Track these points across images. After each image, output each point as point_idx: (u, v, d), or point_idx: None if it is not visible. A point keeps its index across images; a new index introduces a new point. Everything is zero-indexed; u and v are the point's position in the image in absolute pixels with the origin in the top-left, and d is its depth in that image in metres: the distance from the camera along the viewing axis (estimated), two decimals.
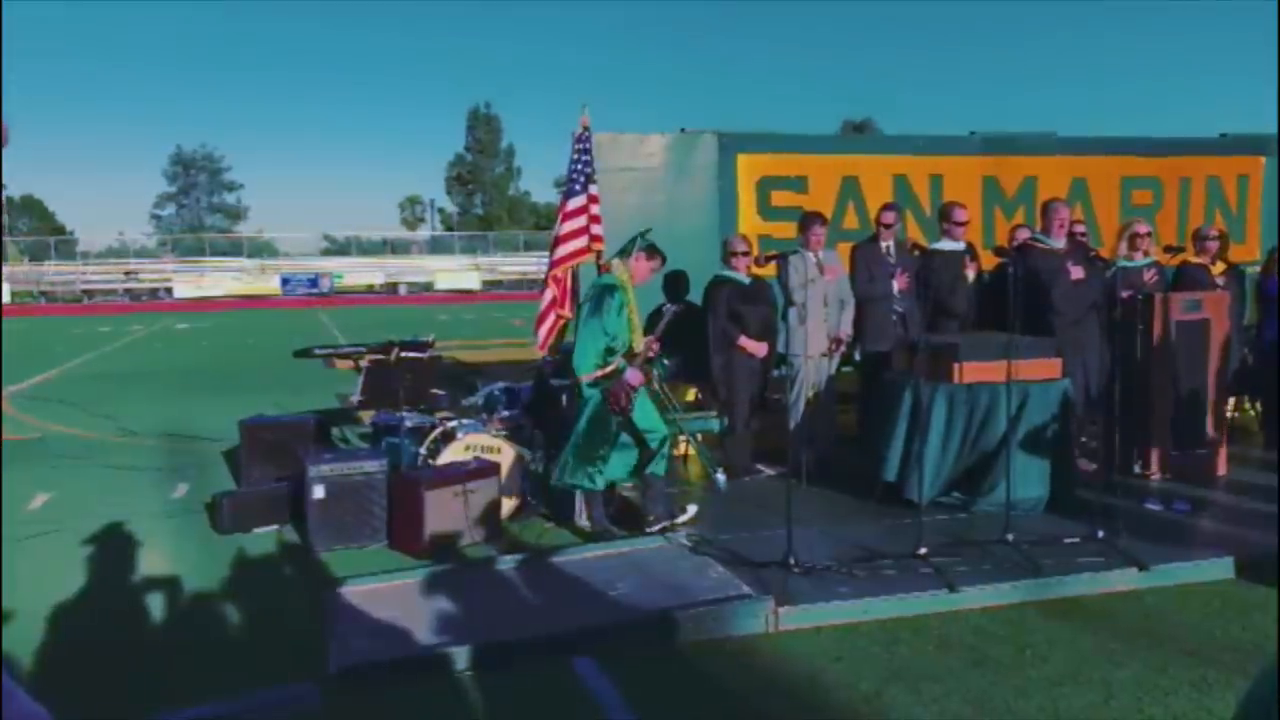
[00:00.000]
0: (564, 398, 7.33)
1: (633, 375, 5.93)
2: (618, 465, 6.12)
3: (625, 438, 6.07)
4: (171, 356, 20.41)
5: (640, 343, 6.07)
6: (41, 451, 9.58)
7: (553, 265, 6.81)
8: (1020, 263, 6.79)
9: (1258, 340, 8.23)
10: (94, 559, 6.08)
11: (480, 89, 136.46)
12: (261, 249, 61.45)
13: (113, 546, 6.32)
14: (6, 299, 43.19)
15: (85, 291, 50.86)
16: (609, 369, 5.94)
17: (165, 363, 18.96)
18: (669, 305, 6.31)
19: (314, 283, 52.35)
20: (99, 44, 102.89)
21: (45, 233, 64.34)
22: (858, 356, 7.65)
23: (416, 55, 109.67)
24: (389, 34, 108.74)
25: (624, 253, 6.21)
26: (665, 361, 7.00)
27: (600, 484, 6.11)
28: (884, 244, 7.48)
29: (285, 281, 52.07)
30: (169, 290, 50.25)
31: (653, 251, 6.24)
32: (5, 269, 47.53)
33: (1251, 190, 9.46)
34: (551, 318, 6.70)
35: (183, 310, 40.23)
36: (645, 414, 6.05)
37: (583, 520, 6.35)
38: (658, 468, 6.14)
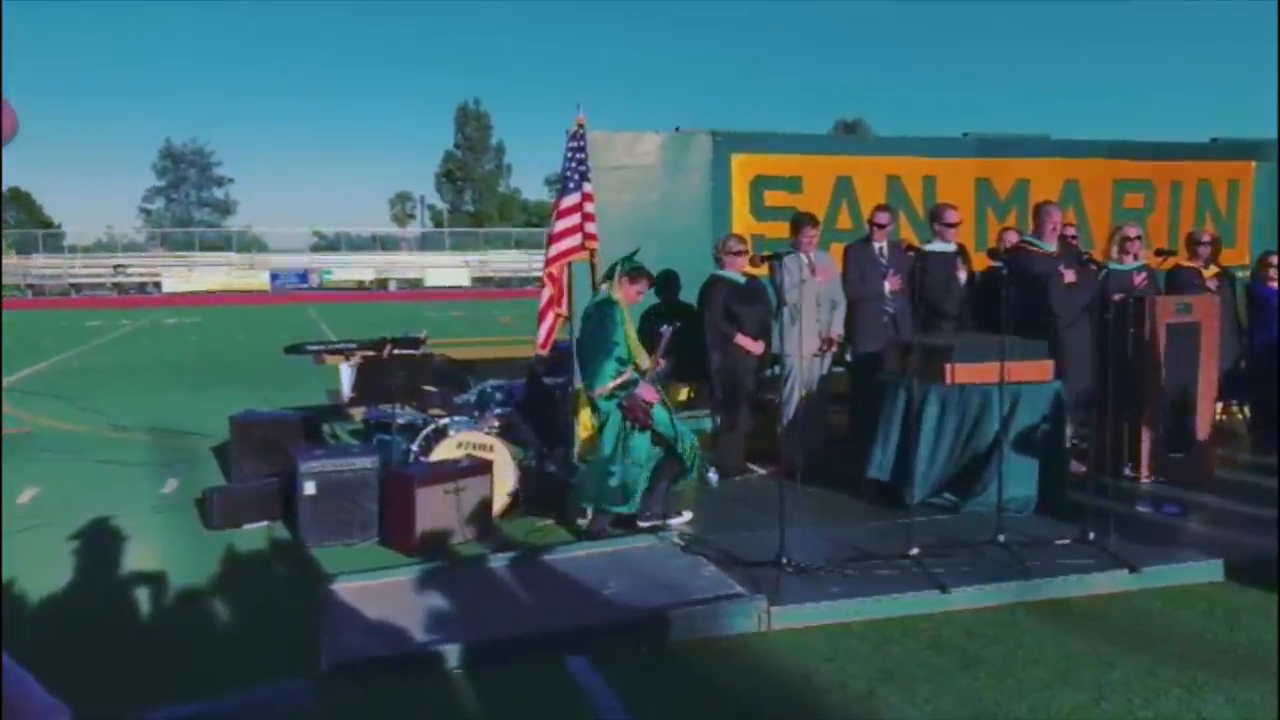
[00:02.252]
0: (556, 396, 7.34)
1: (646, 391, 5.93)
2: (638, 481, 6.05)
3: (651, 450, 6.04)
4: (160, 351, 20.34)
5: (643, 358, 6.07)
6: (29, 446, 9.53)
7: (547, 263, 6.81)
8: (1013, 265, 6.82)
9: (1248, 343, 8.27)
10: (82, 554, 6.05)
11: (469, 85, 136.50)
12: (251, 244, 61.27)
13: (101, 542, 6.29)
14: None
15: (73, 285, 50.67)
16: (623, 378, 5.93)
17: (154, 357, 18.89)
18: (665, 327, 6.28)
19: (303, 278, 52.28)
20: (88, 36, 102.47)
21: (33, 226, 64.07)
22: (849, 357, 7.66)
23: (406, 51, 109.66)
24: (378, 29, 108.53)
25: (609, 277, 6.21)
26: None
27: (635, 506, 6.01)
28: (877, 245, 7.49)
29: (275, 277, 51.99)
30: (157, 285, 50.12)
31: (636, 274, 6.16)
32: None
33: (1242, 195, 9.50)
34: (550, 316, 6.69)
35: (171, 305, 40.06)
36: (663, 423, 6.04)
37: (579, 520, 6.34)
38: (685, 474, 6.19)
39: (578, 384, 6.50)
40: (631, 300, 6.22)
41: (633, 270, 6.17)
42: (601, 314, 6.02)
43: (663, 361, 6.15)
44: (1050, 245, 7.16)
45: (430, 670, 4.19)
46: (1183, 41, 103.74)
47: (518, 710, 3.93)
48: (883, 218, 7.49)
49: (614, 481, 5.93)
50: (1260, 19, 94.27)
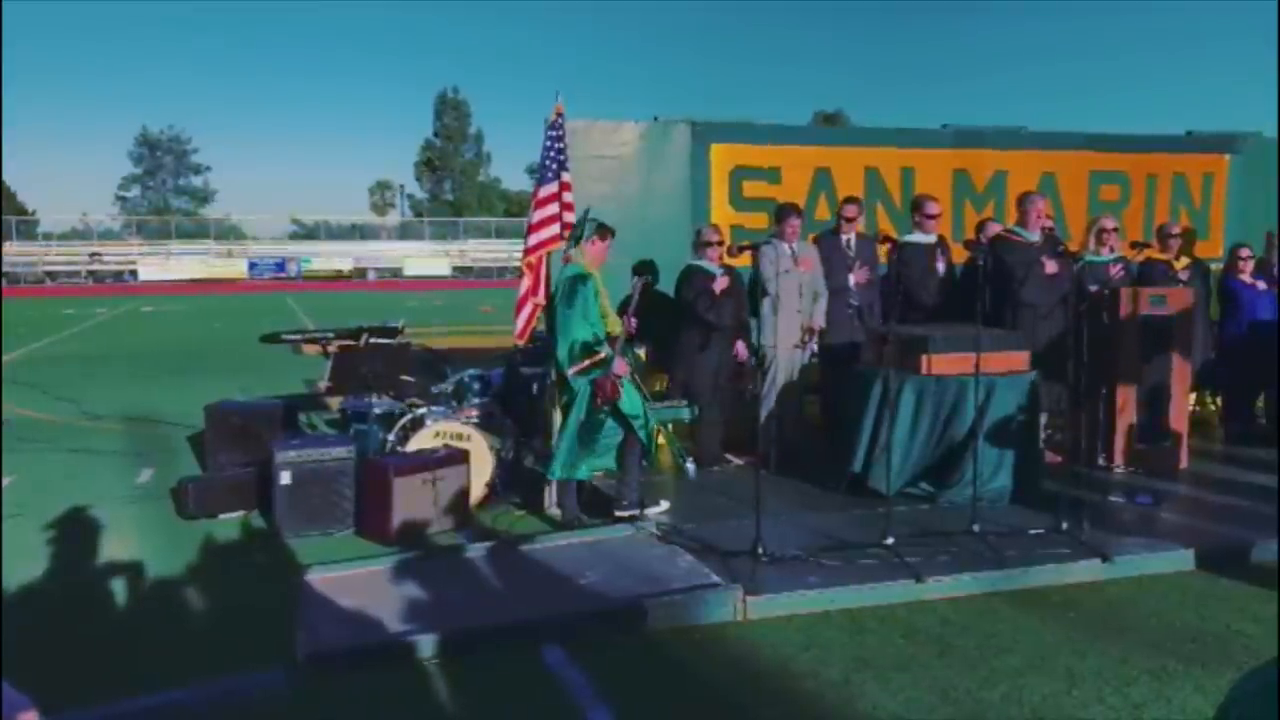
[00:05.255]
0: (534, 386, 7.32)
1: (618, 364, 5.95)
2: (606, 454, 6.12)
3: (614, 426, 6.08)
4: (136, 340, 20.18)
5: (616, 325, 6.07)
6: (4, 435, 9.43)
7: (526, 253, 6.79)
8: (995, 255, 6.85)
9: (1220, 335, 8.34)
10: (56, 544, 6.00)
11: (448, 73, 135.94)
12: (228, 232, 60.82)
13: (76, 531, 6.25)
14: None
15: (48, 273, 50.16)
16: (598, 358, 5.94)
17: (130, 346, 18.73)
18: (636, 279, 6.33)
19: (281, 267, 51.96)
20: (62, 20, 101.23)
21: (6, 213, 63.26)
22: (815, 347, 7.62)
23: (385, 39, 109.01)
24: (357, 16, 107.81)
25: (576, 240, 6.19)
26: (635, 350, 7.01)
27: (586, 474, 6.14)
28: (844, 237, 7.52)
29: (252, 265, 51.66)
30: (134, 273, 49.66)
31: (604, 230, 6.20)
32: None
33: (1216, 188, 9.57)
34: (529, 306, 6.68)
35: (148, 293, 39.73)
36: (630, 400, 6.05)
37: (553, 509, 6.35)
38: (648, 455, 6.20)
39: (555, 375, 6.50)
40: (602, 259, 6.22)
41: (602, 226, 6.20)
42: (573, 289, 5.98)
43: (633, 321, 6.16)
44: (1033, 235, 7.19)
45: (406, 660, 4.18)
46: (1161, 34, 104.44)
47: (494, 700, 3.93)
48: (851, 210, 7.51)
49: (571, 449, 6.00)
50: (1239, 14, 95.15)
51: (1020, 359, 6.46)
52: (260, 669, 4.16)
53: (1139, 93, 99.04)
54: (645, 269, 6.97)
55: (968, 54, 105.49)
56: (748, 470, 6.75)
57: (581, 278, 6.00)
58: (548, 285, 6.77)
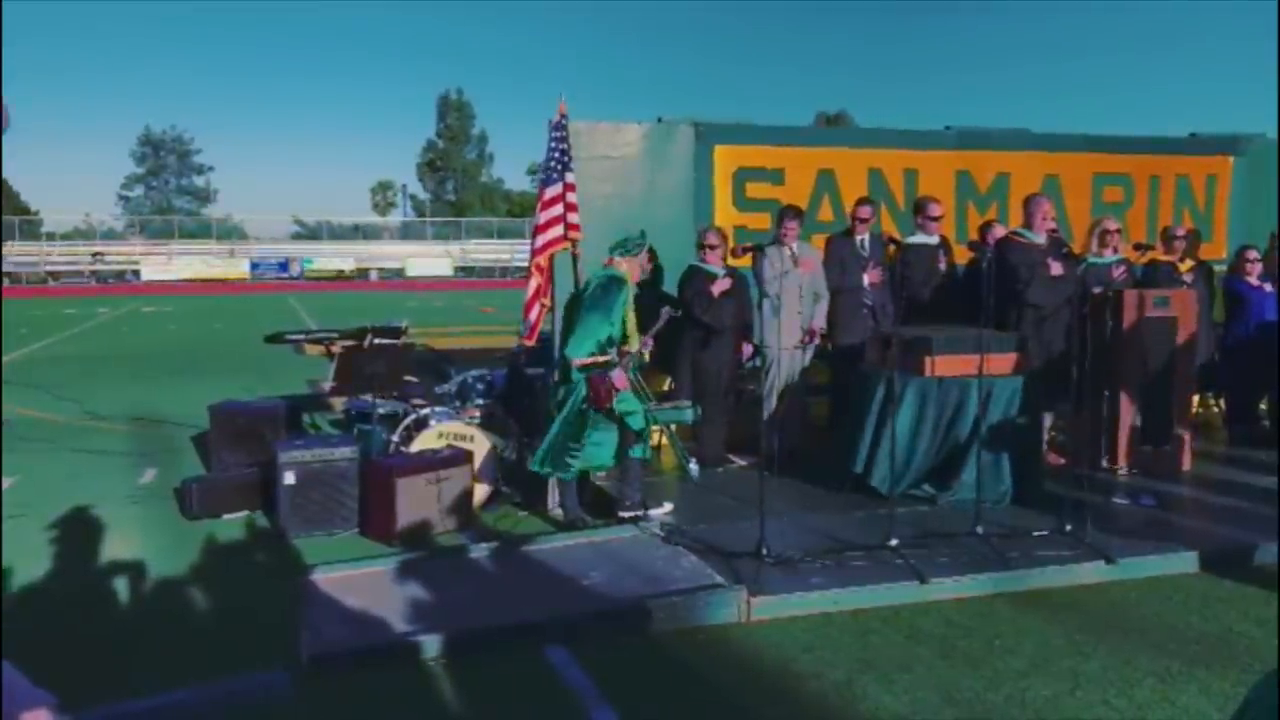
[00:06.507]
0: (537, 386, 7.32)
1: (618, 377, 5.95)
2: (596, 452, 6.12)
3: (604, 423, 6.08)
4: (139, 340, 20.19)
5: (635, 342, 6.10)
6: (5, 435, 9.44)
7: (534, 254, 6.80)
8: (1000, 256, 6.84)
9: (1225, 337, 8.33)
10: (59, 544, 6.01)
11: (451, 73, 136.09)
12: (231, 232, 60.81)
13: (79, 532, 6.25)
14: None
15: (50, 273, 50.16)
16: (603, 359, 5.94)
17: (132, 346, 18.74)
18: (667, 309, 6.36)
19: (284, 267, 51.97)
20: (64, 19, 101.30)
21: (9, 213, 63.33)
22: (822, 344, 7.63)
23: (389, 38, 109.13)
24: (361, 16, 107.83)
25: (628, 251, 6.22)
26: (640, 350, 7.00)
27: (574, 473, 6.13)
28: (858, 237, 7.52)
29: (255, 265, 51.66)
30: (136, 273, 49.66)
31: (653, 252, 6.47)
32: None
33: (1220, 190, 9.56)
34: (537, 307, 6.69)
35: (150, 293, 39.76)
36: (624, 399, 6.05)
37: (556, 509, 6.36)
38: (641, 451, 6.18)
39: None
40: (639, 275, 6.37)
41: (651, 247, 6.41)
42: (608, 288, 6.04)
43: (650, 342, 6.23)
44: (1039, 237, 7.19)
45: (409, 660, 4.19)
46: (1164, 36, 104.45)
47: (498, 700, 3.94)
48: (865, 211, 7.51)
49: (552, 444, 6.03)
50: (1242, 14, 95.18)
51: (1023, 360, 6.46)
52: (264, 669, 4.17)
53: (1142, 94, 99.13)
54: (676, 305, 7.01)
55: (971, 55, 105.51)
56: (751, 471, 6.75)
57: (619, 281, 6.08)
58: (552, 285, 6.78)
